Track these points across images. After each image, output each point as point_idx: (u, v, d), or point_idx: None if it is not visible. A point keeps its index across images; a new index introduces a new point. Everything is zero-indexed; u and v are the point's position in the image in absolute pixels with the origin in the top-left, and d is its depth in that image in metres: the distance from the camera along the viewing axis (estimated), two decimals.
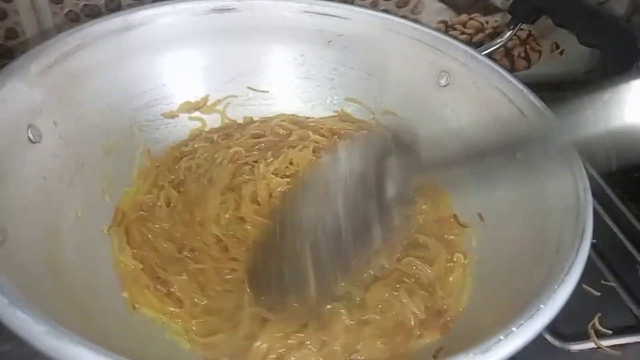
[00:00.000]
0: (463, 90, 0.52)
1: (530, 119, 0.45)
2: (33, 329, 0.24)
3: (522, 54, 0.77)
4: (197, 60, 0.56)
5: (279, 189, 0.48)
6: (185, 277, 0.41)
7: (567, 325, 0.46)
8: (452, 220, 0.49)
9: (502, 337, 0.27)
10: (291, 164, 0.51)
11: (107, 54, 0.49)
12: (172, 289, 0.41)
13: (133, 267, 0.42)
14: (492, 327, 0.28)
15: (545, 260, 0.34)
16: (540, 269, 0.34)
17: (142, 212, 0.46)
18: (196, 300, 0.40)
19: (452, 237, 0.47)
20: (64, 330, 0.24)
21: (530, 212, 0.42)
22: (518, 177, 0.44)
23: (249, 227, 0.45)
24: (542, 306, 0.29)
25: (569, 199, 0.38)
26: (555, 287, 0.30)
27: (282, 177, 0.49)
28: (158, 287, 0.40)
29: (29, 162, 0.40)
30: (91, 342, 0.24)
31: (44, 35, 0.62)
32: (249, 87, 0.59)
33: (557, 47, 0.77)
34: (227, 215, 0.46)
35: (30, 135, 0.41)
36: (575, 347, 0.46)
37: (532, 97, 0.46)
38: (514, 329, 0.27)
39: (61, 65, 0.44)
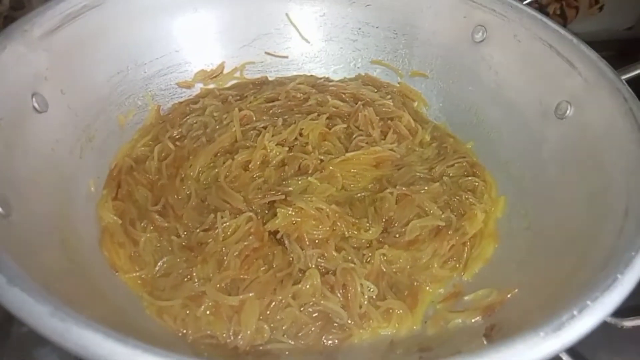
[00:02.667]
0: (501, 44, 0.48)
1: (581, 72, 0.40)
2: (34, 309, 0.21)
3: (558, 11, 0.72)
4: (211, 23, 0.52)
5: (277, 158, 0.44)
6: (148, 235, 0.39)
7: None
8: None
9: (575, 313, 0.23)
10: (301, 135, 0.46)
11: (116, 16, 0.45)
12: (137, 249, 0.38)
13: (112, 221, 0.39)
14: (552, 302, 0.24)
15: (611, 224, 0.30)
16: (606, 233, 0.30)
17: (133, 164, 0.44)
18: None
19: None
20: (69, 311, 0.21)
21: (585, 175, 0.38)
22: (570, 137, 0.40)
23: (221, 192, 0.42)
24: (619, 275, 0.24)
25: (634, 155, 0.33)
26: (633, 253, 0.25)
27: (287, 147, 0.45)
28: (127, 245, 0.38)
29: (36, 133, 0.37)
30: (100, 324, 0.21)
31: None
32: (267, 52, 0.55)
33: (597, 1, 0.71)
34: (208, 177, 0.43)
35: (36, 104, 0.37)
36: (629, 323, 0.42)
37: (584, 47, 0.41)
38: (588, 302, 0.23)
39: (66, 29, 0.41)
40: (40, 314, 0.21)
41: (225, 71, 0.54)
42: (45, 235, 0.32)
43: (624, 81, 0.38)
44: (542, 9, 0.70)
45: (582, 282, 0.25)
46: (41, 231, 0.32)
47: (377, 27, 0.54)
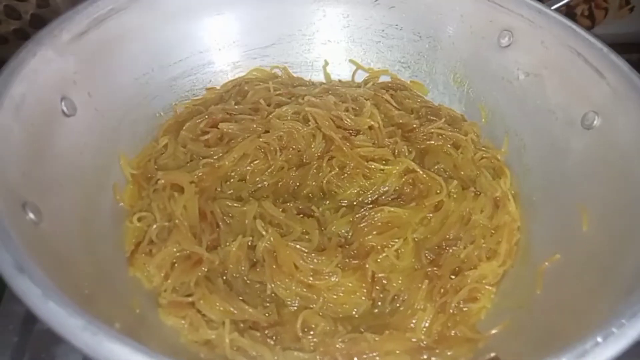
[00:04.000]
0: (528, 50, 0.47)
1: (610, 83, 0.40)
2: (67, 322, 0.21)
3: (586, 12, 0.70)
4: (235, 25, 0.52)
5: None
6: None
7: None
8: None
9: (600, 340, 0.22)
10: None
11: (141, 19, 0.45)
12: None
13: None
14: (574, 327, 0.24)
15: (638, 242, 0.30)
16: (632, 252, 0.29)
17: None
18: None
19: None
20: (100, 325, 0.21)
21: (608, 187, 0.37)
22: (596, 148, 0.40)
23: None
24: None
25: None
26: None
27: None
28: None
29: (65, 137, 0.38)
30: (128, 338, 0.21)
31: (76, 2, 0.59)
32: (289, 54, 0.55)
33: (627, 2, 0.69)
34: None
35: (65, 108, 0.38)
36: None
37: (614, 57, 0.40)
38: (613, 329, 0.23)
39: (93, 32, 0.41)
40: (73, 328, 0.21)
41: (247, 72, 0.54)
42: (74, 242, 0.33)
43: None
44: (569, 11, 0.69)
45: (606, 305, 0.25)
46: (70, 237, 0.33)
47: (401, 30, 0.54)
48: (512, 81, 0.48)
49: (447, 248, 0.41)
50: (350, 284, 0.38)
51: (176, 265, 0.38)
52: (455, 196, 0.44)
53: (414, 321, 0.37)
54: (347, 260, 0.39)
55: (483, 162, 0.47)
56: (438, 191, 0.44)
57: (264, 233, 0.38)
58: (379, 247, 0.40)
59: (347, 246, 0.40)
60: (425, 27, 0.53)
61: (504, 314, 0.36)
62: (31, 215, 0.30)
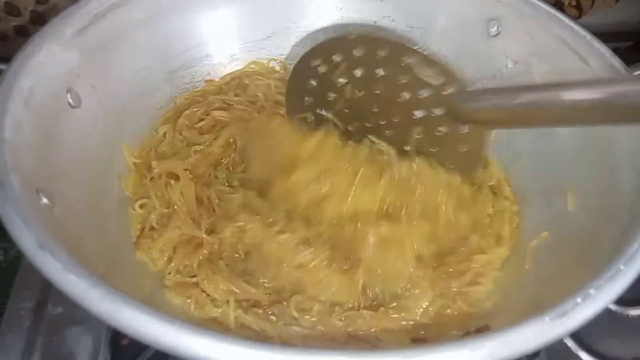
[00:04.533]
0: (516, 39, 0.48)
1: (594, 69, 0.41)
2: (87, 293, 0.23)
3: (574, 2, 0.72)
4: (230, 18, 0.53)
5: None
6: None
7: (626, 289, 0.44)
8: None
9: (579, 300, 0.24)
10: None
11: (141, 14, 0.47)
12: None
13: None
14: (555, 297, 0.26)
15: (618, 220, 0.32)
16: (613, 229, 0.31)
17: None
18: None
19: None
20: (118, 294, 0.23)
21: (592, 168, 0.39)
22: (581, 130, 0.42)
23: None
24: (622, 267, 0.26)
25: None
26: (636, 246, 0.27)
27: None
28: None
29: (71, 127, 0.39)
30: (144, 305, 0.23)
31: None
32: (285, 46, 0.57)
33: None
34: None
35: (70, 100, 0.40)
36: (634, 312, 0.44)
37: (597, 44, 0.42)
38: (591, 291, 0.25)
39: (95, 27, 0.43)
40: (94, 297, 0.23)
41: (244, 64, 0.55)
42: (84, 226, 0.34)
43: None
44: (557, 0, 0.71)
45: (587, 276, 0.27)
46: (81, 221, 0.34)
47: (393, 21, 0.55)
48: (501, 69, 0.50)
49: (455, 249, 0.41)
50: (340, 281, 0.38)
51: (178, 248, 0.40)
52: None
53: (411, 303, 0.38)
54: (335, 259, 0.39)
55: None
56: None
57: (243, 225, 0.39)
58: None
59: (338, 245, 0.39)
60: (416, 18, 0.54)
61: (496, 288, 0.38)
62: (45, 200, 0.31)
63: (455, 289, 0.38)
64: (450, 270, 0.39)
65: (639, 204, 0.31)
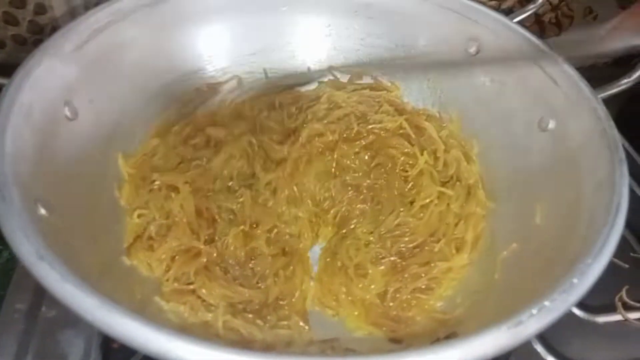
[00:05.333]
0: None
1: (564, 89, 0.44)
2: (84, 302, 0.25)
3: (553, 20, 0.75)
4: (223, 34, 0.56)
5: None
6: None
7: (594, 297, 0.45)
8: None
9: (534, 312, 0.27)
10: None
11: (137, 30, 0.49)
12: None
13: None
14: (519, 306, 0.28)
15: (577, 235, 0.34)
16: (573, 243, 0.34)
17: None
18: None
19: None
20: (113, 304, 0.25)
21: (560, 184, 0.42)
22: (550, 149, 0.44)
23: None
24: (575, 280, 0.29)
25: (603, 172, 0.37)
26: (589, 261, 0.30)
27: None
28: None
29: (69, 140, 0.41)
30: (138, 315, 0.25)
31: (72, 11, 0.62)
32: (274, 61, 0.59)
33: (591, 11, 0.74)
34: None
35: (68, 113, 0.42)
36: (602, 319, 0.46)
37: (566, 67, 0.44)
38: (546, 303, 0.27)
39: (94, 42, 0.45)
40: (90, 307, 0.25)
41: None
42: (80, 235, 0.36)
43: (600, 100, 0.42)
44: (538, 19, 0.73)
45: (547, 287, 0.29)
46: (76, 230, 0.36)
47: (379, 39, 0.58)
48: (479, 87, 0.53)
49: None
50: None
51: (177, 257, 0.42)
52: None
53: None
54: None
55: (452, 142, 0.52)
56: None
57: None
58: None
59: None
60: (400, 37, 0.57)
61: (466, 297, 0.40)
62: (43, 211, 0.33)
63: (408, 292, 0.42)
64: (408, 273, 0.43)
65: (596, 220, 0.33)
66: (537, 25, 0.74)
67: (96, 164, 0.44)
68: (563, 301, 0.28)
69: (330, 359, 0.24)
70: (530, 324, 0.26)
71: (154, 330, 0.24)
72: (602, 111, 0.41)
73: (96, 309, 0.25)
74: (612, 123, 0.40)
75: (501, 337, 0.26)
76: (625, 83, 0.44)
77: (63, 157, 0.40)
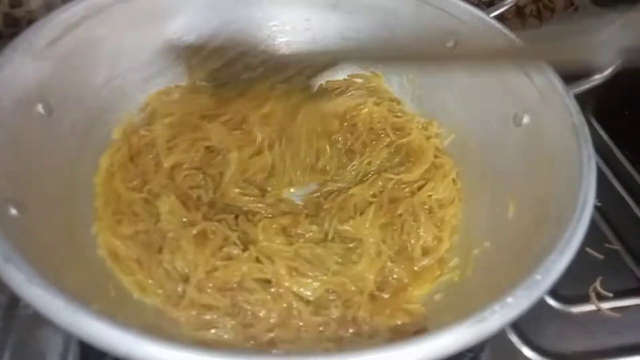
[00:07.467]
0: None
1: (537, 84, 0.44)
2: (50, 304, 0.25)
3: (535, 12, 0.75)
4: (199, 27, 0.55)
5: None
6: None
7: (569, 287, 0.47)
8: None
9: (497, 308, 0.27)
10: None
11: (111, 25, 0.48)
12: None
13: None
14: (484, 301, 0.29)
15: (546, 231, 0.35)
16: (541, 237, 0.34)
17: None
18: None
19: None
20: (80, 305, 0.25)
21: (533, 179, 0.42)
22: (525, 144, 0.45)
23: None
24: (538, 277, 0.29)
25: (573, 167, 0.37)
26: (553, 258, 0.30)
27: None
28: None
29: (43, 137, 0.41)
30: (106, 316, 0.25)
31: (48, 4, 0.62)
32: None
33: (572, 3, 0.75)
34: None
35: (42, 110, 0.41)
36: (576, 309, 0.47)
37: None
38: (509, 299, 0.28)
39: (68, 37, 0.44)
40: (56, 308, 0.25)
41: None
42: (52, 234, 0.36)
43: (572, 96, 0.42)
44: (519, 11, 0.74)
45: (513, 283, 0.30)
46: (48, 229, 0.36)
47: (359, 33, 0.58)
48: (456, 82, 0.53)
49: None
50: None
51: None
52: None
53: None
54: None
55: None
56: None
57: None
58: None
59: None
60: (379, 31, 0.56)
61: (438, 291, 0.41)
62: (13, 211, 0.33)
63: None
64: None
65: (565, 216, 0.34)
66: (518, 18, 0.74)
67: (72, 162, 0.44)
68: (526, 297, 0.28)
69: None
70: (493, 320, 0.27)
71: (120, 331, 0.24)
72: (574, 107, 0.41)
73: (62, 310, 0.25)
74: (582, 119, 0.40)
75: (464, 334, 0.27)
76: (598, 79, 0.44)
77: (36, 156, 0.40)
